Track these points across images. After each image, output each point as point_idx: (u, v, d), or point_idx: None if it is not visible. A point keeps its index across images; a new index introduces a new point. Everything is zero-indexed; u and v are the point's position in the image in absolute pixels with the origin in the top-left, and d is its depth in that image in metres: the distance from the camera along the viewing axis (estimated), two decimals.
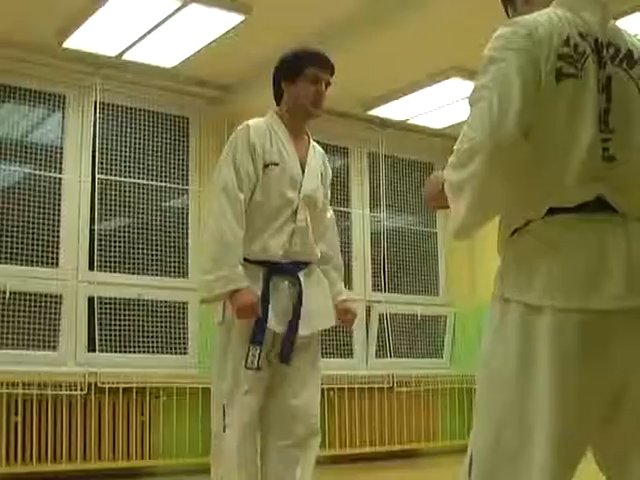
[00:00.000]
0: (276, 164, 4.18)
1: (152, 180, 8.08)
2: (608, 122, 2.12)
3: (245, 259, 4.03)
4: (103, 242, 7.73)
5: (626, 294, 2.02)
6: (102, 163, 7.82)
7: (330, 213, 4.57)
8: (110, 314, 7.67)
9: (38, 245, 7.42)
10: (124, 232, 7.91)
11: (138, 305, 7.85)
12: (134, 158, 8.02)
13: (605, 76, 2.15)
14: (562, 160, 2.08)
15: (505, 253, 2.21)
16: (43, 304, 7.38)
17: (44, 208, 7.50)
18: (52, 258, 7.50)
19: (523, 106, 2.05)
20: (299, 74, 4.26)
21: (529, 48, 2.12)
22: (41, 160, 7.57)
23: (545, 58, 2.10)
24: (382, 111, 8.99)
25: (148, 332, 7.86)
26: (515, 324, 2.09)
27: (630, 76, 2.19)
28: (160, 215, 8.13)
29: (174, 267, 8.14)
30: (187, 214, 8.36)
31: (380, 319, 9.38)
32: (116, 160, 7.91)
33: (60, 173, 7.64)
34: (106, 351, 7.59)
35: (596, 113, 2.11)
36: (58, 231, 7.56)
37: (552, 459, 2.01)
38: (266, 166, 4.16)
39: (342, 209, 9.38)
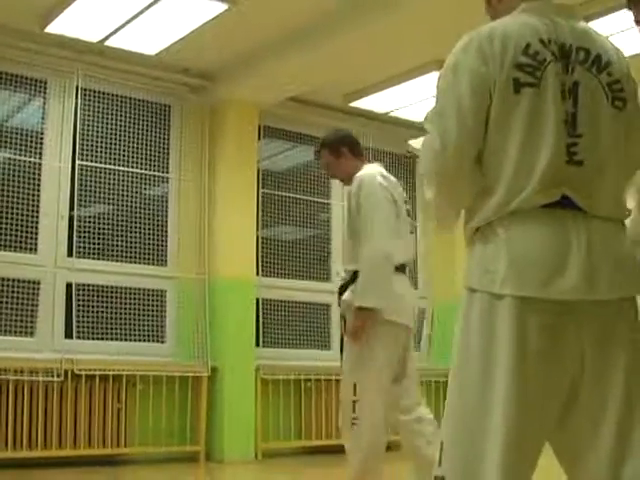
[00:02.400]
0: None
1: (133, 167, 8.07)
2: (576, 126, 2.15)
3: None
4: (82, 229, 7.71)
5: (585, 287, 2.06)
6: (83, 149, 7.80)
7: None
8: (88, 301, 7.65)
9: (17, 231, 7.39)
10: (104, 219, 7.89)
11: (116, 292, 7.84)
12: (115, 145, 8.00)
13: (572, 81, 2.17)
14: (524, 168, 2.13)
15: (470, 248, 2.25)
16: (21, 290, 7.36)
17: (23, 193, 7.48)
18: (31, 244, 7.47)
19: (461, 140, 2.20)
20: None
21: (476, 67, 2.18)
22: (21, 145, 7.53)
23: (498, 71, 2.15)
24: (363, 103, 9.00)
25: (126, 320, 7.85)
26: (479, 314, 2.14)
27: (598, 80, 2.21)
28: (140, 203, 8.12)
29: (153, 255, 8.13)
30: (167, 202, 8.34)
31: None
32: (97, 146, 7.89)
33: (40, 158, 7.60)
34: (83, 338, 7.57)
35: (561, 119, 2.14)
36: (37, 217, 7.54)
37: (508, 456, 2.03)
38: None
39: (322, 201, 9.39)
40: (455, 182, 2.26)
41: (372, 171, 5.00)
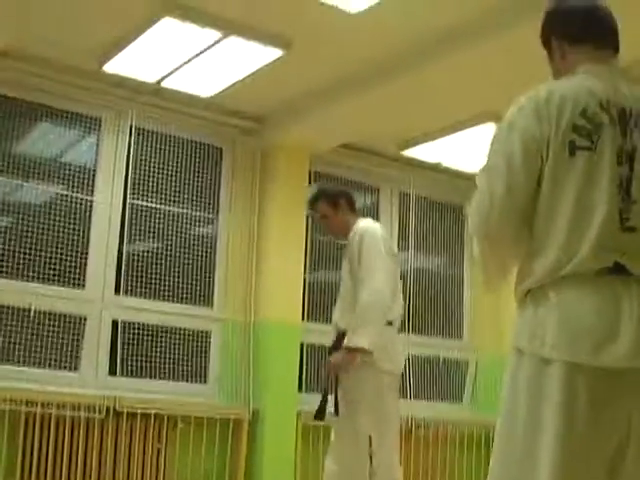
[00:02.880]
0: None
1: (183, 207, 8.12)
2: (630, 192, 2.13)
3: None
4: (131, 266, 7.75)
5: (635, 354, 2.03)
6: (134, 188, 7.86)
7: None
8: (133, 339, 7.68)
9: (66, 266, 7.45)
10: (152, 257, 7.93)
11: (161, 331, 7.86)
12: (166, 184, 8.06)
13: (631, 146, 2.15)
14: (577, 232, 2.11)
15: (521, 309, 2.23)
16: (67, 325, 7.41)
17: (74, 229, 7.54)
18: (79, 279, 7.53)
19: (509, 199, 2.21)
20: None
21: (531, 127, 2.17)
22: (74, 181, 7.62)
23: (554, 132, 2.14)
24: (415, 152, 9.00)
25: (170, 359, 7.86)
26: (527, 375, 2.12)
27: None
28: (189, 242, 8.16)
29: (200, 295, 8.14)
30: (216, 243, 8.36)
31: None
32: (148, 185, 7.95)
33: (92, 195, 7.68)
34: (127, 375, 7.60)
35: (615, 184, 2.11)
36: (86, 253, 7.60)
37: None
38: None
39: None
40: (500, 242, 2.28)
41: (373, 224, 5.05)
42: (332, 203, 5.19)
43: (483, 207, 2.25)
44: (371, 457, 4.78)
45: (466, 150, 8.73)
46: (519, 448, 2.09)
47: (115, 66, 7.24)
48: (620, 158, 2.13)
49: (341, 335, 4.91)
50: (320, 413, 5.09)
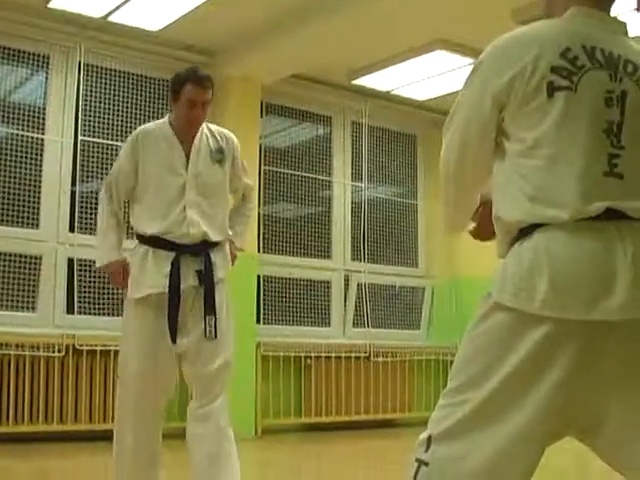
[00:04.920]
0: None
1: None
2: (620, 137, 2.07)
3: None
4: (84, 204, 7.71)
5: (633, 304, 1.95)
6: (85, 125, 7.79)
7: None
8: (89, 276, 7.65)
9: (19, 206, 7.40)
10: None
11: None
12: (117, 120, 7.98)
13: (620, 90, 2.09)
14: (562, 177, 2.05)
15: (506, 260, 2.12)
16: (23, 265, 7.38)
17: (26, 169, 7.47)
18: (33, 219, 7.48)
19: (479, 151, 2.21)
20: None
21: (500, 71, 2.13)
22: (23, 120, 7.53)
23: (530, 74, 2.09)
24: (366, 81, 8.98)
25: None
26: (505, 329, 2.04)
27: None
28: None
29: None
30: None
31: (358, 289, 9.42)
32: (99, 122, 7.88)
33: (42, 134, 7.60)
34: (84, 313, 7.59)
35: (601, 127, 2.06)
36: (39, 192, 7.54)
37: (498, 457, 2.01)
38: None
39: (323, 178, 9.39)
40: (462, 188, 2.30)
41: None
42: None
43: (444, 154, 2.26)
44: None
45: (418, 78, 8.72)
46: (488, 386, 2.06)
47: (61, 1, 7.12)
48: (609, 101, 2.08)
49: None
50: None
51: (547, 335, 1.98)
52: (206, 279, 4.28)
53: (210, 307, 4.28)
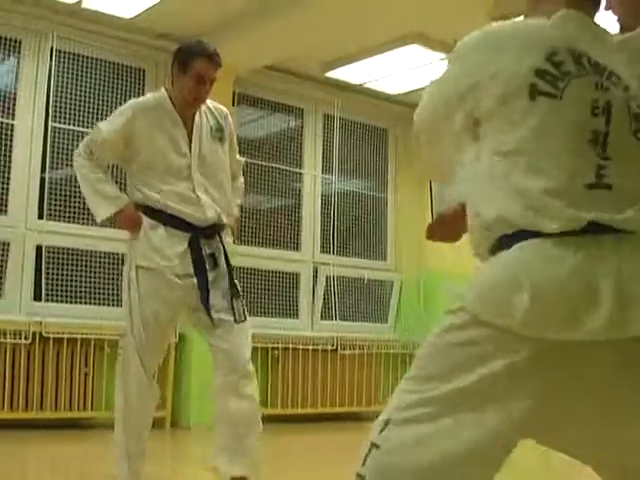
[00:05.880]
0: None
1: None
2: (606, 148, 2.00)
3: None
4: (54, 191, 7.66)
5: (616, 323, 1.86)
6: (56, 111, 7.74)
7: None
8: (57, 264, 7.62)
9: None
10: (75, 182, 7.81)
11: (85, 256, 7.80)
12: (88, 107, 7.93)
13: (606, 99, 2.03)
14: (541, 185, 1.97)
15: (484, 272, 2.05)
16: None
17: None
18: (1, 205, 7.43)
19: (429, 131, 2.26)
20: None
21: (482, 67, 2.08)
22: None
23: (511, 72, 2.03)
24: (339, 73, 8.98)
25: (95, 283, 7.82)
26: (483, 346, 1.96)
27: (628, 107, 2.06)
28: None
29: None
30: None
31: (327, 281, 9.43)
32: (70, 109, 7.83)
33: (12, 119, 7.54)
34: (52, 301, 7.55)
35: (587, 138, 2.00)
36: (8, 178, 7.48)
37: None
38: None
39: (294, 170, 9.39)
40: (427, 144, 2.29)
41: None
42: None
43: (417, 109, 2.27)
44: None
45: (391, 72, 8.73)
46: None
47: None
48: (595, 110, 2.01)
49: None
50: None
51: (526, 353, 1.91)
52: (226, 262, 4.34)
53: (235, 290, 4.32)
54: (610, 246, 1.92)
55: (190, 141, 4.30)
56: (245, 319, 4.31)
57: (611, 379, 1.94)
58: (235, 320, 4.24)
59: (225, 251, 4.35)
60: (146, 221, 4.29)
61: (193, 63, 4.24)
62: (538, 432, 2.02)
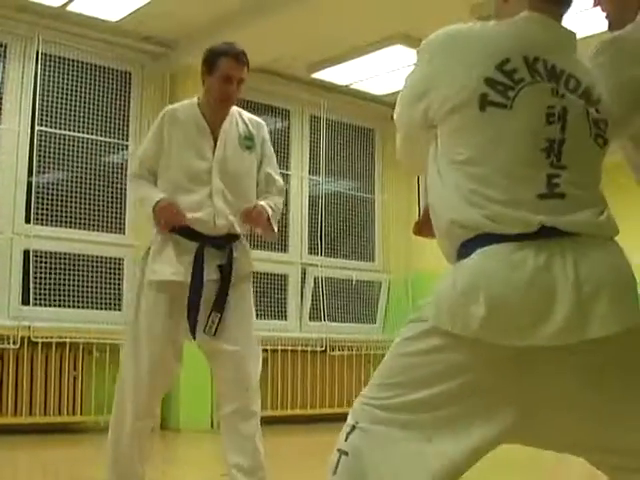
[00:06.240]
0: None
1: (92, 134, 8.01)
2: (560, 157, 2.00)
3: None
4: (40, 195, 7.65)
5: (574, 327, 1.89)
6: (42, 115, 7.72)
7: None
8: (45, 268, 7.60)
9: None
10: (62, 186, 7.83)
11: (73, 260, 7.79)
12: (75, 111, 7.92)
13: (562, 106, 2.01)
14: (493, 193, 1.97)
15: (442, 281, 2.05)
16: None
17: None
18: None
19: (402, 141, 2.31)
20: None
21: (438, 74, 2.08)
22: None
23: (465, 80, 2.01)
24: (325, 74, 8.98)
25: (83, 287, 7.81)
26: (443, 354, 1.99)
27: (587, 113, 2.06)
28: (99, 170, 8.07)
29: (111, 223, 8.08)
30: (125, 170, 8.26)
31: (315, 282, 9.43)
32: (56, 112, 7.81)
33: None
34: (40, 305, 7.53)
35: (540, 147, 1.98)
36: None
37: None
38: None
39: (281, 171, 9.35)
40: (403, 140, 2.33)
41: None
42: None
43: (397, 128, 2.29)
44: None
45: (377, 72, 8.74)
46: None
47: None
48: (550, 117, 1.99)
49: None
50: None
51: (485, 359, 1.94)
52: (225, 275, 4.14)
53: (220, 304, 4.13)
54: (568, 248, 1.93)
55: (215, 146, 4.19)
56: (213, 334, 4.19)
57: (572, 382, 1.96)
58: (204, 331, 4.16)
59: (231, 264, 4.17)
60: (159, 237, 4.18)
61: (219, 63, 4.15)
62: (511, 436, 2.02)
